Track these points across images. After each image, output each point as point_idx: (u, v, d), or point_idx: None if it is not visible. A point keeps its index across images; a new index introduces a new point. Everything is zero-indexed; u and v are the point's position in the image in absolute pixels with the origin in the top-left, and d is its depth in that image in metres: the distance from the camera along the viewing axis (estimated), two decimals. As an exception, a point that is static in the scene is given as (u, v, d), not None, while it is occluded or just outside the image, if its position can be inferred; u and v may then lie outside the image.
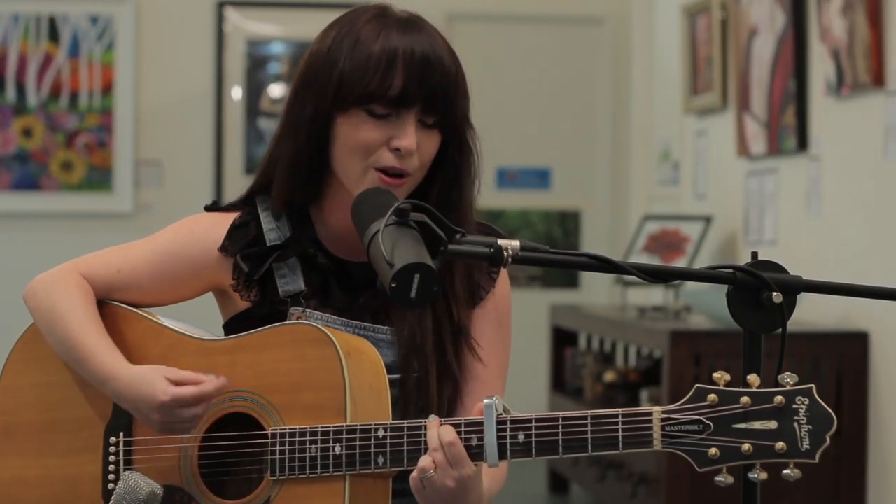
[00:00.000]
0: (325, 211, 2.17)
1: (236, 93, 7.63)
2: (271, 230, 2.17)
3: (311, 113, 2.11)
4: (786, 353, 1.84)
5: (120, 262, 2.19)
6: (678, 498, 4.81)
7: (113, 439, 2.14)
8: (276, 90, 7.67)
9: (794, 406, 1.81)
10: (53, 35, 7.45)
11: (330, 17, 2.18)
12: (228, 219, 2.19)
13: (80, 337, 2.12)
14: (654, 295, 6.68)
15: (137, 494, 1.99)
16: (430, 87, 2.07)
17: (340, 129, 2.10)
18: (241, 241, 2.16)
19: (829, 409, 1.81)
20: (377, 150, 2.08)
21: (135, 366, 2.09)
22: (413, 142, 2.07)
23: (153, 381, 2.04)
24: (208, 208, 2.24)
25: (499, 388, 2.19)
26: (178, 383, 2.04)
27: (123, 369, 2.09)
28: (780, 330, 1.85)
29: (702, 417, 1.83)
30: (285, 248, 2.15)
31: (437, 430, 1.93)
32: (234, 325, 2.19)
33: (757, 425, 1.81)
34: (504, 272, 2.22)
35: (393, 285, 1.83)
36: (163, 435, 2.08)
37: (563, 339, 6.61)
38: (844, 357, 4.86)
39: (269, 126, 7.64)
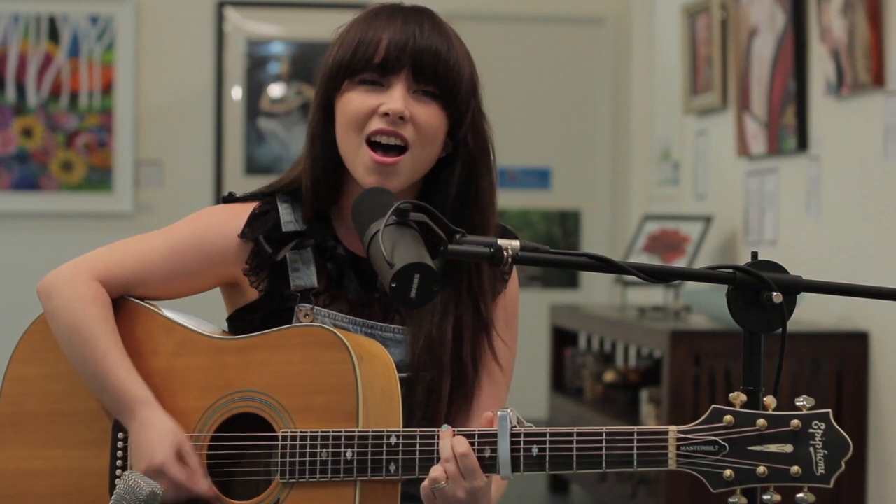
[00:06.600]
0: (343, 207, 2.17)
1: (236, 93, 7.62)
2: (289, 222, 2.16)
3: (316, 104, 2.15)
4: (786, 353, 1.84)
5: (135, 260, 2.17)
6: (678, 498, 4.81)
7: (121, 434, 2.13)
8: (276, 90, 7.67)
9: (811, 430, 1.80)
10: (53, 35, 7.45)
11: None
12: (245, 209, 2.18)
13: (105, 364, 2.11)
14: (654, 295, 6.68)
15: (137, 494, 1.99)
16: (417, 49, 2.07)
17: (338, 109, 2.12)
18: (261, 228, 2.16)
19: (845, 434, 1.80)
20: (368, 118, 2.09)
21: (158, 409, 2.09)
22: (401, 105, 2.07)
23: (164, 439, 2.05)
24: (225, 200, 2.23)
25: (505, 389, 2.19)
26: (182, 459, 2.05)
27: (147, 409, 2.09)
28: (780, 330, 1.85)
29: (718, 438, 1.83)
30: (304, 237, 2.15)
31: (451, 441, 1.92)
32: (238, 318, 2.19)
33: (773, 448, 1.80)
34: (514, 272, 2.22)
35: (393, 285, 1.83)
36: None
37: (563, 339, 6.60)
38: (844, 357, 4.85)
39: (269, 126, 7.64)
